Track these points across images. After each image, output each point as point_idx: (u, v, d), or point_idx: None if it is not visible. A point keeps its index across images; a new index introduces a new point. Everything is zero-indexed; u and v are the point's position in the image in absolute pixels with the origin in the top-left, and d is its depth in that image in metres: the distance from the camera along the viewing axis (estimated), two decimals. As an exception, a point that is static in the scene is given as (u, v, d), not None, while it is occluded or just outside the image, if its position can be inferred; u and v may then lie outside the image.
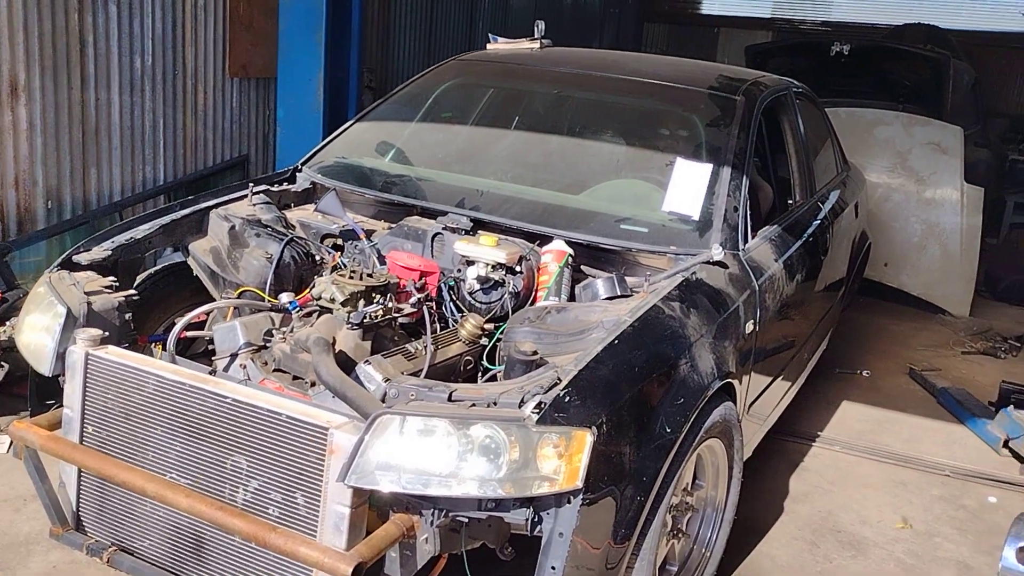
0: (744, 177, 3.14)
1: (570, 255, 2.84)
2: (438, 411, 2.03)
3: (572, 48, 4.21)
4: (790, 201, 3.87)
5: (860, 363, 5.30)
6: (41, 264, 4.51)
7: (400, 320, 2.73)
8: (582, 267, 2.97)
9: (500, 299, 2.82)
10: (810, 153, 4.08)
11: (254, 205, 3.24)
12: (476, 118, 3.66)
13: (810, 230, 3.69)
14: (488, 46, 4.18)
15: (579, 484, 2.00)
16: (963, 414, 4.63)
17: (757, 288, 2.92)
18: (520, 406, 2.04)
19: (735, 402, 2.75)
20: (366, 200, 3.31)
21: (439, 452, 2.00)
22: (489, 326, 2.71)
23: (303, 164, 3.56)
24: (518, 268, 2.83)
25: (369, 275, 2.70)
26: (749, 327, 2.84)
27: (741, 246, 2.97)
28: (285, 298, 2.68)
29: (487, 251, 2.80)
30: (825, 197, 4.17)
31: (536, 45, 4.11)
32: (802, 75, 9.39)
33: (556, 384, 2.10)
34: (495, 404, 2.06)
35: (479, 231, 3.04)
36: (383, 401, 2.16)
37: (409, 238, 3.08)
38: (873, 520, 3.58)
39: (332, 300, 2.58)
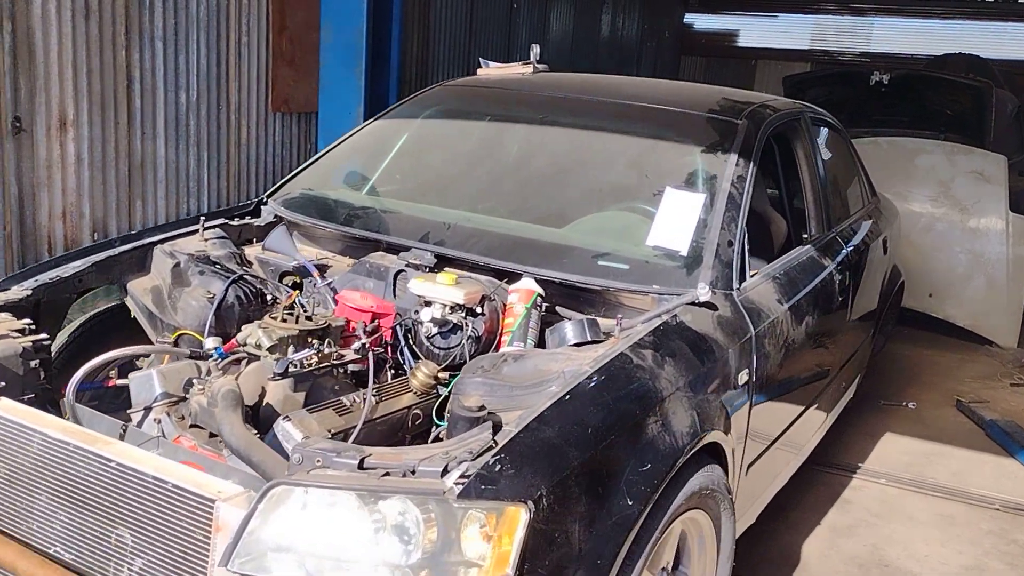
0: (743, 208, 2.80)
1: (539, 295, 2.53)
2: (344, 482, 1.72)
3: (567, 73, 3.92)
4: (805, 236, 3.51)
5: (905, 395, 5.18)
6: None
7: (352, 368, 2.45)
8: (557, 308, 2.65)
9: (459, 344, 2.51)
10: (828, 183, 3.72)
11: (206, 240, 2.98)
12: (455, 147, 3.38)
13: (827, 267, 3.33)
14: (479, 71, 3.91)
15: (510, 571, 1.66)
16: (1013, 447, 4.47)
17: (754, 333, 2.57)
18: (443, 476, 1.72)
19: (725, 465, 2.40)
20: (333, 235, 3.03)
21: (343, 532, 1.68)
22: (445, 375, 2.40)
23: (268, 196, 3.30)
24: (479, 310, 2.52)
25: (308, 317, 2.41)
26: (743, 377, 2.49)
27: (735, 285, 2.63)
28: (210, 343, 2.39)
29: (444, 290, 2.49)
30: (847, 231, 3.80)
31: (528, 69, 3.82)
32: (841, 105, 9.10)
33: (490, 448, 1.78)
34: (413, 473, 1.74)
35: (446, 268, 2.75)
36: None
37: (371, 276, 2.79)
38: (921, 555, 3.47)
39: (258, 346, 2.28)
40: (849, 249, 3.66)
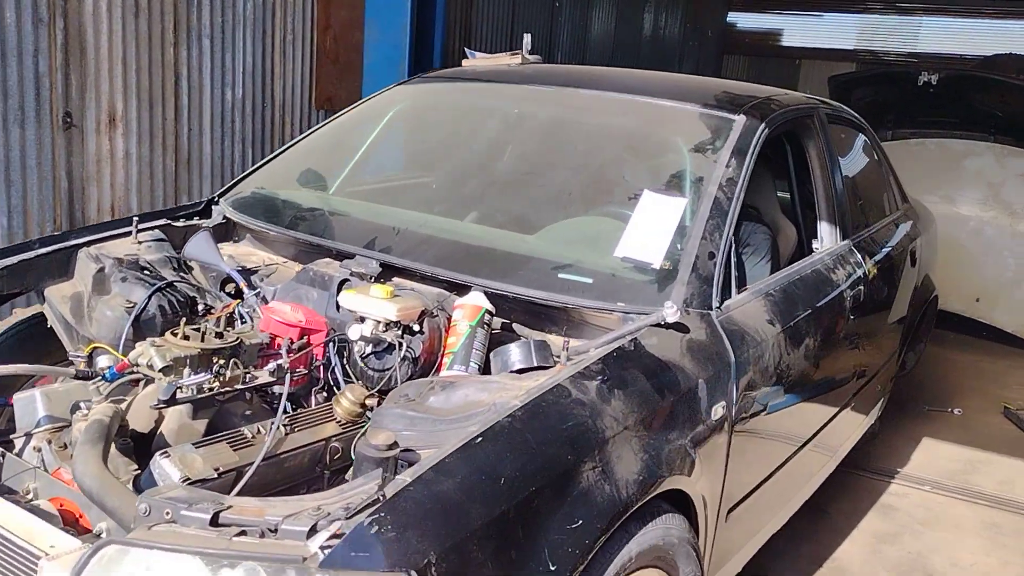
0: (730, 215, 2.46)
1: (487, 311, 2.21)
2: (189, 542, 1.42)
3: (559, 65, 3.58)
4: (816, 246, 3.15)
5: (951, 401, 5.09)
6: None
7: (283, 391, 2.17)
8: (514, 326, 2.34)
9: (399, 365, 2.21)
10: (845, 188, 3.34)
11: (139, 243, 2.71)
12: (423, 142, 3.08)
13: (836, 283, 2.96)
14: (464, 62, 3.60)
15: (381, 661, 1.36)
16: (1061, 456, 4.28)
17: (734, 360, 2.22)
18: (309, 537, 1.42)
19: (690, 514, 2.06)
20: (285, 239, 2.75)
21: (184, 602, 1.39)
22: (374, 401, 2.10)
23: (220, 196, 3.03)
24: (417, 327, 2.21)
25: (219, 334, 2.12)
26: (717, 411, 2.14)
27: (715, 304, 2.28)
28: (103, 362, 2.12)
29: (376, 305, 2.19)
30: (866, 241, 3.42)
31: (516, 60, 3.51)
32: (888, 105, 8.67)
33: (376, 502, 1.47)
34: (274, 533, 1.44)
35: (395, 277, 2.46)
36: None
37: (315, 285, 2.49)
38: (966, 563, 3.42)
39: (150, 366, 2.00)
40: (866, 261, 3.28)
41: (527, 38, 3.61)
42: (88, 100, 4.35)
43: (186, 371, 2.00)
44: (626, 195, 2.59)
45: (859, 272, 3.17)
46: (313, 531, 1.42)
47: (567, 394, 1.79)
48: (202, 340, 2.08)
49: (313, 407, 2.15)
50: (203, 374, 1.98)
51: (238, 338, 2.12)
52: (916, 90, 8.59)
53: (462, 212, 2.79)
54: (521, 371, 2.05)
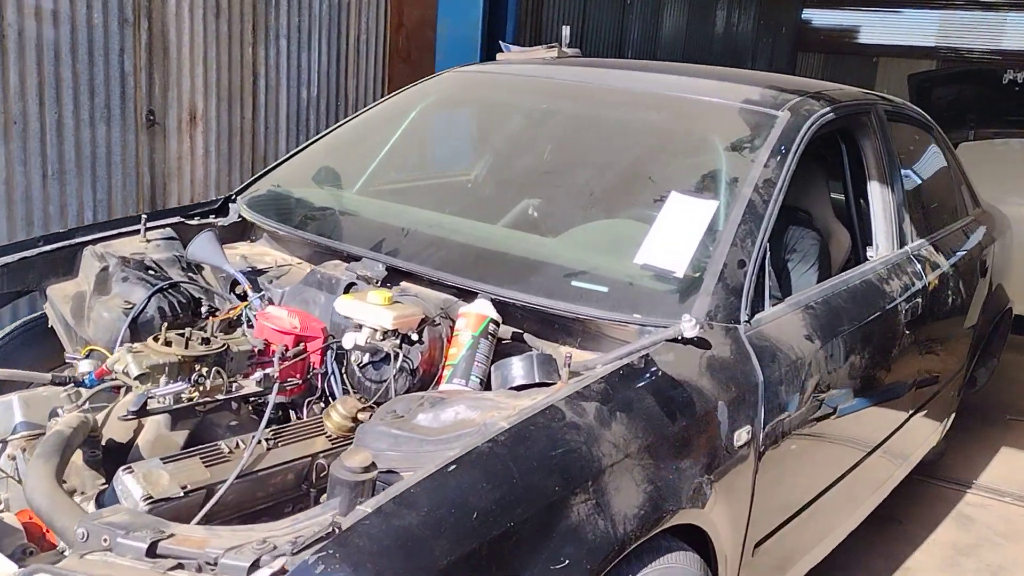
0: (766, 220, 2.25)
1: (492, 320, 2.05)
2: (119, 574, 1.29)
3: (598, 59, 3.40)
4: (870, 254, 2.91)
5: None
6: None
7: (278, 400, 2.05)
8: (525, 337, 2.17)
9: (395, 376, 2.06)
10: (905, 192, 3.08)
11: (148, 241, 2.63)
12: (449, 139, 2.93)
13: (889, 294, 2.71)
14: (498, 56, 3.44)
15: None
16: None
17: (762, 379, 2.02)
18: (250, 573, 1.28)
19: (709, 551, 1.86)
20: (299, 239, 2.63)
21: (111, 640, 1.26)
22: (367, 415, 1.96)
23: (237, 193, 2.93)
24: (416, 336, 2.06)
25: (206, 339, 2.00)
26: (742, 436, 1.94)
27: (743, 317, 2.08)
28: (85, 367, 2.02)
29: (372, 312, 2.04)
30: (927, 249, 3.15)
31: (552, 53, 3.33)
32: (970, 104, 8.26)
33: (329, 535, 1.33)
34: (213, 566, 1.30)
35: (402, 281, 2.32)
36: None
37: (322, 289, 2.37)
38: None
39: (127, 374, 1.89)
40: (927, 271, 3.02)
41: (565, 30, 3.44)
42: (170, 99, 4.47)
43: (163, 379, 1.88)
44: (649, 197, 2.39)
45: (918, 283, 2.91)
46: (255, 566, 1.28)
47: (560, 416, 1.62)
48: (186, 346, 1.96)
49: (305, 420, 2.02)
50: (179, 383, 1.87)
51: (225, 344, 2.00)
52: (1000, 88, 8.20)
53: (485, 213, 2.64)
54: (523, 387, 1.88)
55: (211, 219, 2.86)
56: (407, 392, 2.05)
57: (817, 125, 2.59)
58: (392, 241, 2.36)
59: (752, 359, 2.02)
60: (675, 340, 1.90)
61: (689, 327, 1.89)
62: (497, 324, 2.07)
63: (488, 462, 1.48)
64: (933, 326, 3.01)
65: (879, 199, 2.96)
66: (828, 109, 2.69)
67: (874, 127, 3.01)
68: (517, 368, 1.90)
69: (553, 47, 3.36)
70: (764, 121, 2.51)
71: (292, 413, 2.13)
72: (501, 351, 2.13)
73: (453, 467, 1.45)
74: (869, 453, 2.61)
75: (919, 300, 2.86)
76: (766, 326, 2.14)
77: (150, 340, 1.97)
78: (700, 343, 1.94)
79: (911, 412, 2.93)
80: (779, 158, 2.38)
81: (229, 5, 4.69)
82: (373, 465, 1.58)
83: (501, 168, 2.79)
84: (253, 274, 2.56)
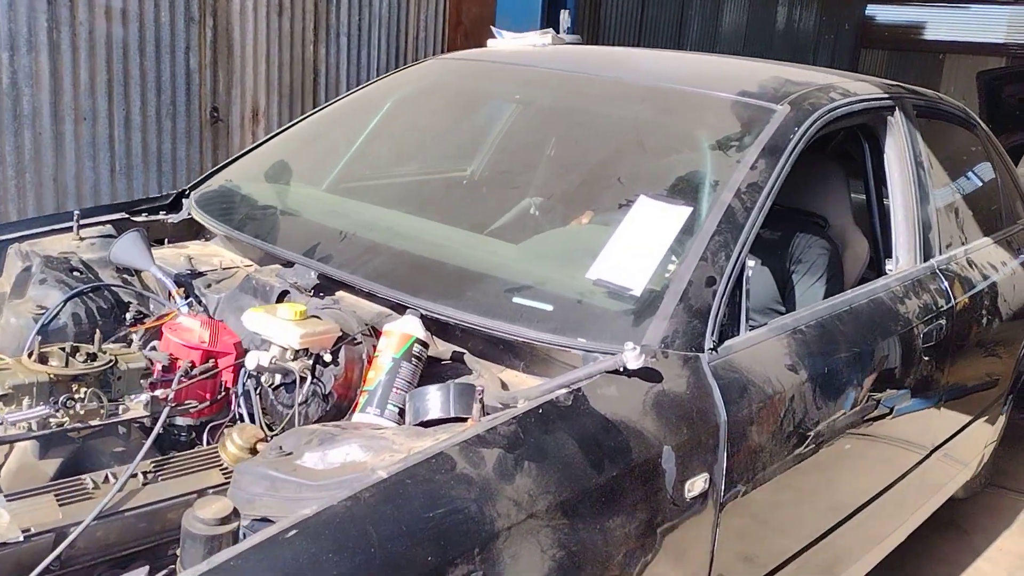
0: (747, 229, 1.94)
1: (417, 340, 1.79)
2: None
3: (594, 46, 3.11)
4: (888, 268, 2.57)
5: None
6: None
7: (182, 422, 1.83)
8: (467, 357, 1.90)
9: (304, 402, 1.81)
10: (933, 198, 2.73)
11: (80, 239, 2.42)
12: (419, 133, 2.67)
13: (902, 316, 2.37)
14: (489, 42, 3.17)
15: None
16: None
17: (725, 419, 1.71)
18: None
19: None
20: (244, 241, 2.40)
21: None
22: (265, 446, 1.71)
23: (192, 188, 2.71)
24: (329, 357, 1.81)
25: (92, 355, 1.78)
26: (696, 486, 1.64)
27: (708, 344, 1.78)
28: (-46, 382, 1.80)
29: (280, 328, 1.80)
30: (958, 264, 2.79)
31: (546, 39, 3.05)
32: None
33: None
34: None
35: (339, 291, 2.07)
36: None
37: (257, 296, 2.14)
38: None
39: (-12, 394, 1.67)
40: (955, 289, 2.66)
41: (563, 15, 3.17)
42: (234, 96, 4.55)
43: (25, 401, 1.66)
44: (620, 201, 2.10)
45: (942, 303, 2.56)
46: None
47: (449, 467, 1.35)
48: (66, 363, 1.74)
49: (199, 449, 1.79)
50: (41, 407, 1.64)
51: (111, 361, 1.77)
52: (1079, 88, 7.68)
53: (447, 214, 2.38)
54: (433, 423, 1.62)
55: (161, 216, 2.65)
56: (319, 420, 1.80)
57: (822, 122, 2.26)
58: (328, 246, 2.11)
59: (714, 394, 1.72)
60: (617, 372, 1.62)
61: (633, 357, 1.59)
62: (424, 345, 1.81)
63: (341, 527, 1.22)
64: (963, 353, 2.66)
65: (902, 206, 2.61)
66: (838, 104, 2.36)
67: (900, 125, 2.66)
68: (431, 399, 1.63)
69: (547, 32, 3.08)
70: (758, 116, 2.20)
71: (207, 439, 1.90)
72: (438, 374, 1.87)
73: (293, 532, 1.19)
74: (868, 502, 2.27)
75: (942, 323, 2.51)
76: (738, 354, 1.83)
77: (23, 356, 1.75)
78: (648, 375, 1.65)
79: (927, 452, 2.58)
80: (769, 159, 2.07)
81: (292, 3, 4.82)
82: (235, 514, 1.34)
83: (464, 165, 2.52)
84: (190, 278, 2.34)
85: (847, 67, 13.45)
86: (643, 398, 1.62)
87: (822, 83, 2.46)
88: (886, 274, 2.55)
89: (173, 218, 2.63)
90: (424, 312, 1.85)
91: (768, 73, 2.53)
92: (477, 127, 2.60)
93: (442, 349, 1.93)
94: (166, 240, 2.61)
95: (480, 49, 3.02)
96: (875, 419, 2.18)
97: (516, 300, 1.85)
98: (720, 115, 2.26)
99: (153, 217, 2.62)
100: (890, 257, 2.61)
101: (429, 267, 1.99)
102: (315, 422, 1.80)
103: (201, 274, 2.37)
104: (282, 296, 2.09)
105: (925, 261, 2.61)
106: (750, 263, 2.64)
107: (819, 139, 3.30)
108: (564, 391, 1.55)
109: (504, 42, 3.15)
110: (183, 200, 2.68)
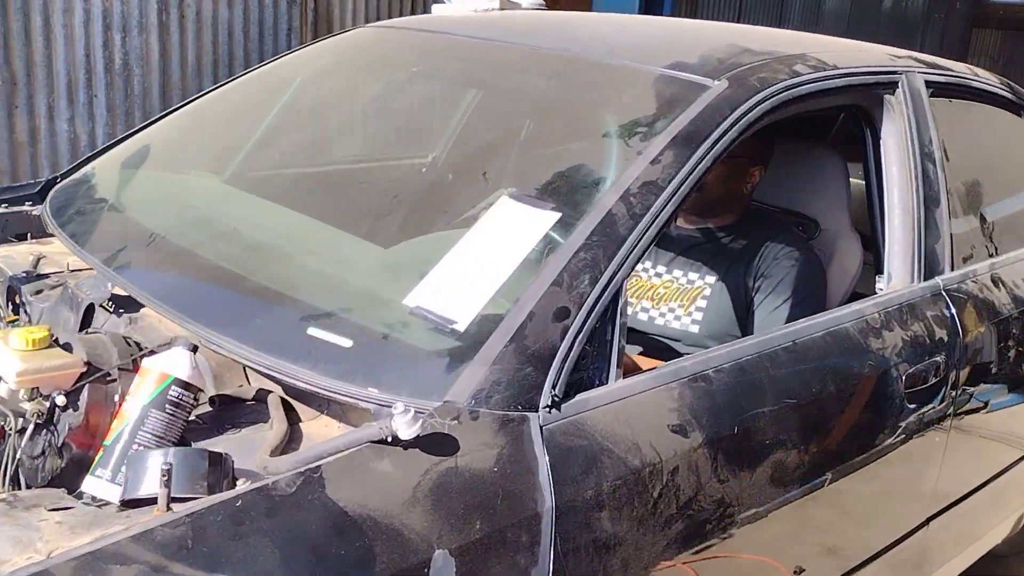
0: (632, 243, 1.47)
1: (176, 381, 1.38)
2: None
3: (547, 11, 2.64)
4: (880, 286, 2.04)
5: None
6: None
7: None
8: (269, 401, 1.49)
9: (42, 454, 1.44)
10: (944, 199, 2.17)
11: (-85, 236, 2.12)
12: (307, 117, 2.26)
13: (874, 352, 1.85)
14: (434, 7, 2.74)
15: None
16: None
17: (552, 504, 1.25)
18: None
19: None
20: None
21: None
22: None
23: (63, 176, 2.37)
24: (64, 401, 1.42)
25: None
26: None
27: (549, 398, 1.31)
28: None
29: (3, 360, 1.42)
30: (976, 282, 2.23)
31: (494, 3, 2.61)
32: None
33: None
34: None
35: (145, 308, 1.69)
36: None
37: (72, 308, 1.79)
38: None
39: None
40: (966, 316, 2.11)
41: (524, -23, 2.69)
42: None
43: None
44: (476, 201, 1.64)
45: (943, 334, 2.01)
46: None
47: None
48: None
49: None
50: None
51: None
52: None
53: (319, 209, 1.97)
54: (139, 502, 1.21)
55: (25, 206, 2.32)
56: (53, 480, 1.42)
57: (772, 103, 1.75)
58: (132, 251, 1.73)
59: (541, 472, 1.26)
60: (381, 442, 1.18)
61: (404, 424, 1.16)
62: (188, 387, 1.40)
63: None
64: (967, 401, 2.10)
65: (899, 208, 2.07)
66: (803, 79, 1.84)
67: (902, 107, 2.11)
68: (145, 469, 1.23)
69: (496, -6, 2.63)
70: (682, 95, 1.71)
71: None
72: (231, 419, 1.47)
73: None
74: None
75: (939, 360, 1.96)
76: (596, 412, 1.36)
77: None
78: (437, 446, 1.21)
79: (919, 521, 2.03)
80: (680, 150, 1.58)
81: (391, -20, 4.88)
82: None
83: (357, 151, 2.10)
84: (23, 281, 2.00)
85: (958, 48, 12.51)
86: (418, 480, 1.18)
87: (789, 52, 1.94)
88: (876, 293, 2.02)
89: (37, 210, 2.29)
90: (203, 342, 1.45)
91: (725, 40, 2.02)
92: (379, 107, 2.18)
93: (250, 387, 1.54)
94: (28, 234, 2.28)
95: (417, 16, 2.58)
96: (811, 487, 1.66)
97: (310, 331, 1.42)
98: (638, 93, 1.77)
99: (13, 209, 2.29)
100: (883, 273, 2.08)
101: (228, 282, 1.59)
102: (50, 482, 1.42)
103: (43, 277, 2.03)
104: (88, 311, 1.74)
105: (927, 279, 2.06)
106: (708, 279, 2.19)
107: (816, 124, 2.79)
108: (291, 474, 1.13)
109: (449, 7, 2.72)
110: (53, 189, 2.34)
